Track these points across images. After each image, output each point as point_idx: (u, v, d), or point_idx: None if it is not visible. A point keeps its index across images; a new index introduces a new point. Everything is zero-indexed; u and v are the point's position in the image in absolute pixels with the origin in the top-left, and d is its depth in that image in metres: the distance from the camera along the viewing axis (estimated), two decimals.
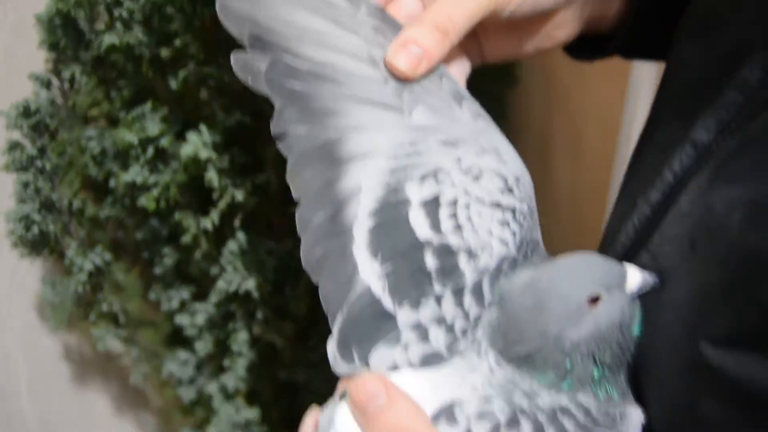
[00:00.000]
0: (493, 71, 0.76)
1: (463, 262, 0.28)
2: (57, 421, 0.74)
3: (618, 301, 0.27)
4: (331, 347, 0.27)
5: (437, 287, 0.27)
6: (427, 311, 0.27)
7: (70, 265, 0.63)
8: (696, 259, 0.25)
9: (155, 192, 0.56)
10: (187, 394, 0.68)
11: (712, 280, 0.24)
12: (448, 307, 0.27)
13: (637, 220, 0.30)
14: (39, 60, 0.62)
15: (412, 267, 0.28)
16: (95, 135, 0.59)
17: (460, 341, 0.27)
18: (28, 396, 0.71)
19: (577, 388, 0.27)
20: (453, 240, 0.28)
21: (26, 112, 0.57)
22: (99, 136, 0.59)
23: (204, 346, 0.64)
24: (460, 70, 0.34)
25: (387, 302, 0.27)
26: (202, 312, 0.63)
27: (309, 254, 0.28)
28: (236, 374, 0.63)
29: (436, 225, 0.28)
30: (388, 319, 0.27)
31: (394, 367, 0.27)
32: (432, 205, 0.28)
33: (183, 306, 0.65)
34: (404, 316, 0.27)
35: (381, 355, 0.27)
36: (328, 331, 0.28)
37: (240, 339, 0.62)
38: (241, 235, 0.57)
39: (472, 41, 0.35)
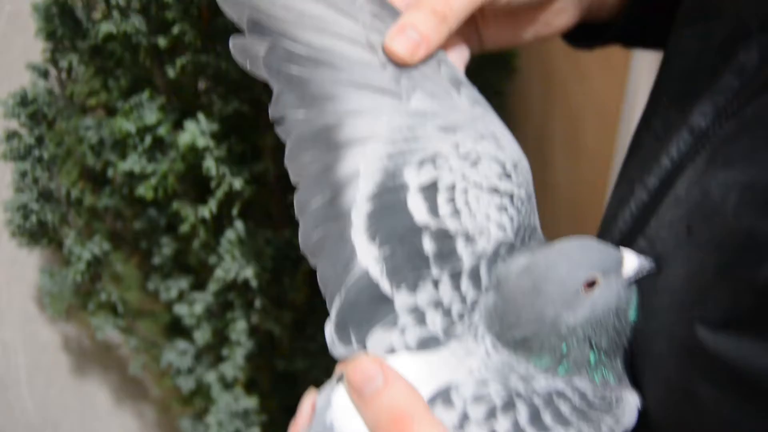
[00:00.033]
0: (490, 61, 0.75)
1: (460, 246, 0.28)
2: (56, 411, 0.74)
3: (614, 285, 0.27)
4: (329, 330, 0.27)
5: (435, 271, 0.27)
6: (424, 295, 0.27)
7: (68, 254, 0.63)
8: (692, 243, 0.25)
9: (153, 181, 0.55)
10: (186, 383, 0.68)
11: (707, 263, 0.24)
12: (446, 290, 0.27)
13: (635, 206, 0.30)
14: (36, 49, 0.61)
15: (410, 251, 0.28)
16: (93, 124, 0.59)
17: (457, 325, 0.27)
18: (28, 386, 0.71)
19: (574, 373, 0.27)
20: (451, 224, 0.28)
21: (24, 101, 0.57)
22: (97, 126, 0.59)
23: (202, 335, 0.64)
24: (459, 58, 0.34)
25: (384, 286, 0.27)
26: (201, 301, 0.63)
27: (307, 238, 0.28)
28: (235, 363, 0.63)
29: (433, 209, 0.28)
30: (386, 302, 0.27)
31: (391, 351, 0.27)
32: (430, 190, 0.29)
33: (181, 296, 0.66)
34: (401, 299, 0.27)
35: (378, 338, 0.27)
36: (326, 321, 0.28)
37: (238, 328, 0.62)
38: (239, 224, 0.57)
39: (471, 29, 0.35)
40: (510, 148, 0.30)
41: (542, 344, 0.27)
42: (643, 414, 0.28)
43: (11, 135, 0.58)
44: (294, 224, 0.29)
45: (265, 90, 0.30)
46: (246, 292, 0.61)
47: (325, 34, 0.30)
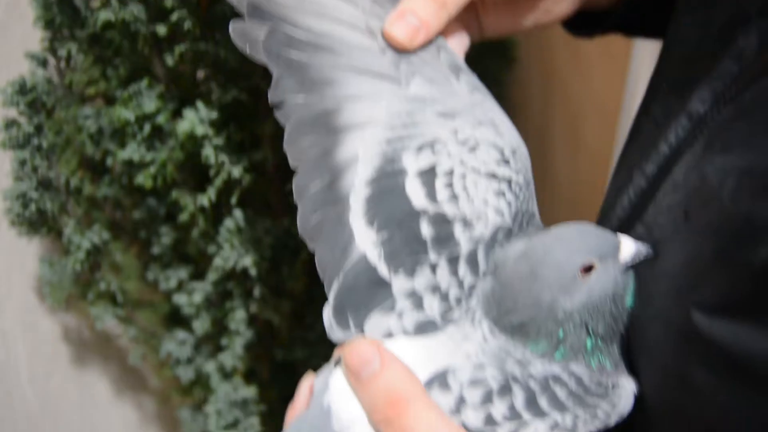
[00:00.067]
0: (490, 50, 0.75)
1: (458, 231, 0.28)
2: (56, 401, 0.74)
3: (611, 271, 0.27)
4: (327, 314, 0.27)
5: (432, 256, 0.27)
6: (422, 279, 0.27)
7: (67, 243, 0.63)
8: (689, 229, 0.25)
9: (152, 170, 0.55)
10: (186, 374, 0.68)
11: (704, 248, 0.24)
12: (443, 275, 0.27)
13: (633, 193, 0.30)
14: (35, 38, 0.61)
15: (408, 235, 0.28)
16: (92, 113, 0.59)
17: (454, 310, 0.27)
18: (28, 377, 0.71)
19: (570, 358, 0.27)
20: (448, 209, 0.28)
21: (22, 89, 0.57)
22: (96, 115, 0.59)
23: (201, 325, 0.64)
24: (459, 45, 0.34)
25: (382, 270, 0.27)
26: (200, 291, 0.63)
27: (305, 221, 0.28)
28: (234, 353, 0.64)
29: (432, 194, 0.28)
30: (384, 286, 0.27)
31: (389, 335, 0.27)
32: (428, 175, 0.29)
33: (180, 286, 0.66)
34: (399, 283, 0.27)
35: (376, 322, 0.27)
36: (324, 305, 0.28)
37: (237, 318, 0.62)
38: (238, 213, 0.57)
39: (471, 16, 0.35)
40: (509, 135, 0.30)
41: (539, 329, 0.27)
42: (639, 400, 0.28)
43: (10, 123, 0.58)
44: (293, 213, 0.29)
45: (264, 78, 0.30)
46: (245, 281, 0.61)
47: (325, 18, 0.30)
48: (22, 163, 0.59)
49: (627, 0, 0.37)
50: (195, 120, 0.50)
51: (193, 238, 0.61)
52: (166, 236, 0.64)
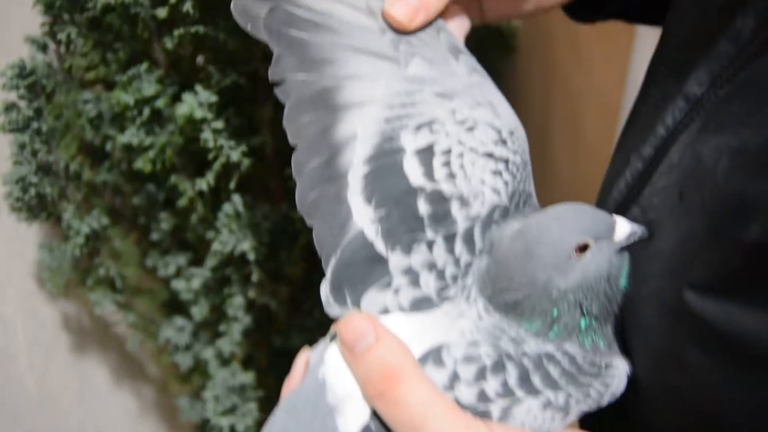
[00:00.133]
0: (489, 39, 0.75)
1: (455, 209, 0.28)
2: (56, 387, 0.74)
3: (606, 251, 0.27)
4: (324, 289, 0.27)
5: (429, 233, 0.28)
6: (418, 256, 0.27)
7: (67, 229, 0.63)
8: (683, 209, 0.26)
9: (151, 154, 0.55)
10: (184, 360, 0.68)
11: (697, 228, 0.24)
12: (440, 253, 0.27)
13: (630, 175, 0.31)
14: (35, 23, 0.61)
15: (405, 212, 0.28)
16: (92, 98, 0.59)
17: (450, 287, 0.27)
18: (27, 363, 0.71)
19: (564, 337, 0.28)
20: (446, 187, 0.28)
21: (22, 72, 0.57)
22: (95, 100, 0.59)
23: (200, 311, 0.64)
24: (459, 28, 0.34)
25: (380, 246, 0.27)
26: (199, 277, 0.64)
27: (304, 197, 0.28)
28: (232, 339, 0.64)
29: (429, 173, 0.28)
30: (381, 263, 0.27)
31: (385, 311, 0.27)
32: (426, 154, 0.29)
33: (179, 272, 0.66)
34: (396, 260, 0.27)
35: (372, 298, 0.27)
36: (322, 280, 0.28)
37: (236, 303, 0.63)
38: (236, 198, 0.57)
39: None
40: (506, 116, 0.30)
41: (533, 308, 0.27)
42: (632, 381, 0.28)
43: (10, 107, 0.58)
44: (291, 199, 0.30)
45: (263, 63, 0.30)
46: (243, 266, 0.61)
47: None
48: (22, 146, 0.59)
49: None
50: (194, 103, 0.50)
51: (192, 224, 0.61)
52: (165, 222, 0.64)
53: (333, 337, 0.27)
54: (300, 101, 0.29)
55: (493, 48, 0.77)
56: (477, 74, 0.31)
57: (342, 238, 0.28)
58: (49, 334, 0.75)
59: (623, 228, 0.27)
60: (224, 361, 0.66)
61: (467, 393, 0.25)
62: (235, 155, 0.53)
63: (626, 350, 0.29)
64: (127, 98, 0.54)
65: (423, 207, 0.28)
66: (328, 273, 0.28)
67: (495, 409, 0.25)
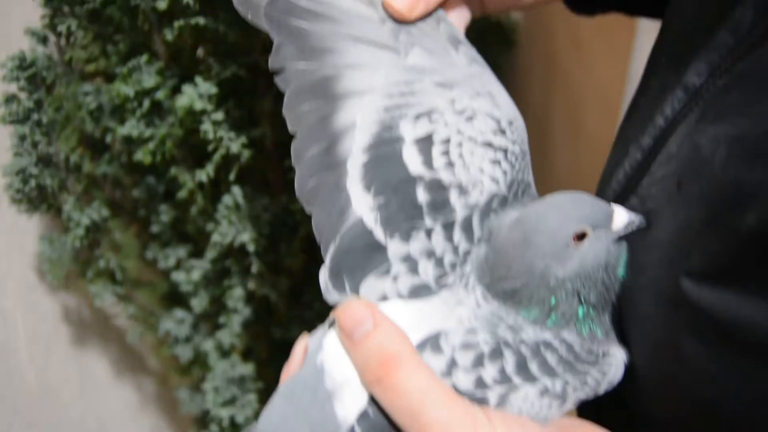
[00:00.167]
0: (489, 33, 0.75)
1: (454, 197, 0.28)
2: (56, 380, 0.75)
3: (604, 239, 0.27)
4: (323, 276, 0.28)
5: (428, 221, 0.28)
6: (417, 244, 0.28)
7: (67, 220, 0.63)
8: (681, 199, 0.26)
9: (151, 146, 0.56)
10: (184, 353, 0.69)
11: (695, 217, 0.24)
12: (438, 240, 0.28)
13: (629, 166, 0.31)
14: (35, 14, 0.61)
15: (404, 200, 0.28)
16: (92, 90, 0.59)
17: (448, 275, 0.28)
18: (27, 356, 0.72)
19: (562, 325, 0.28)
20: (445, 176, 0.28)
21: (22, 64, 0.57)
22: (96, 92, 0.59)
23: (200, 302, 0.65)
24: (460, 19, 0.34)
25: (378, 234, 0.28)
26: (198, 268, 0.64)
27: (303, 185, 0.29)
28: (232, 331, 0.64)
29: (428, 161, 0.29)
30: (379, 250, 0.28)
31: (384, 298, 0.27)
32: (425, 143, 0.29)
33: (179, 264, 0.66)
34: (395, 248, 0.28)
35: (371, 285, 0.27)
36: (321, 267, 0.28)
37: (235, 295, 0.63)
38: (236, 190, 0.57)
39: None
40: (506, 106, 0.31)
41: (531, 296, 0.27)
42: (629, 370, 0.28)
43: (10, 98, 0.58)
44: (291, 191, 0.30)
45: (263, 55, 0.30)
46: (243, 258, 0.62)
47: None
48: (22, 138, 0.59)
49: None
50: (194, 95, 0.50)
51: (192, 216, 0.61)
52: (165, 214, 0.64)
53: (331, 324, 0.27)
54: (300, 90, 0.29)
55: (493, 42, 0.77)
56: (476, 65, 0.31)
57: (341, 226, 0.28)
58: (50, 327, 0.75)
59: (621, 217, 0.28)
60: (224, 353, 0.67)
61: (465, 379, 0.25)
62: (234, 147, 0.53)
63: (624, 339, 0.29)
64: (127, 90, 0.54)
65: (422, 195, 0.28)
66: (327, 260, 0.28)
67: (492, 395, 0.25)
